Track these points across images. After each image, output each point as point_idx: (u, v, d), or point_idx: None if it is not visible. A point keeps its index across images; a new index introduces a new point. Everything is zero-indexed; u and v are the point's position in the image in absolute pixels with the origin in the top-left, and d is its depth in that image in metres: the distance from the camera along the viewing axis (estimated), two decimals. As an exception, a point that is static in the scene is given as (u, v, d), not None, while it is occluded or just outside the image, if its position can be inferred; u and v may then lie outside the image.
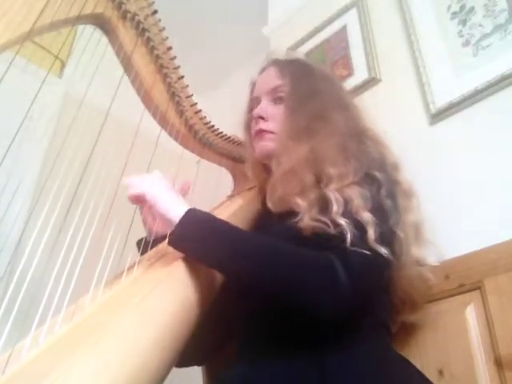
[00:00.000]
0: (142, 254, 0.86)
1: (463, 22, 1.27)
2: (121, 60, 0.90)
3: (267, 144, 1.01)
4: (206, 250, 0.78)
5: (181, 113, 1.02)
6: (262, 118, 1.03)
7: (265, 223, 0.97)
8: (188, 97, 1.03)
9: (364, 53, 1.48)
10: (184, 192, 0.94)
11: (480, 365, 0.91)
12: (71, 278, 0.62)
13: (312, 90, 1.01)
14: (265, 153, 1.02)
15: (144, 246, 0.88)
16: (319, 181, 0.85)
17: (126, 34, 0.88)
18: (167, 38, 0.95)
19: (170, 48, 0.96)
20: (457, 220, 1.09)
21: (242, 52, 2.25)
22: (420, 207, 0.97)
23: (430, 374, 0.89)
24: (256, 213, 1.06)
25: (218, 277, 0.86)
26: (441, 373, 0.95)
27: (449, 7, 1.31)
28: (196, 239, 0.78)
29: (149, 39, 0.92)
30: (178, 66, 0.99)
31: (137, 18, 0.89)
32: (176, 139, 1.04)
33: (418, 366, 0.85)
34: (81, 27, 0.84)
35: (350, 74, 1.49)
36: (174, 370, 0.74)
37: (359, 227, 0.75)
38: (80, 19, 0.77)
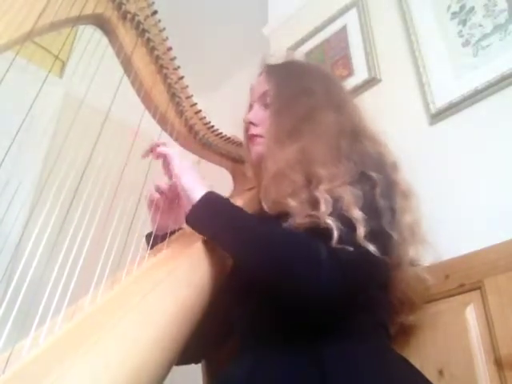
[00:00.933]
0: (152, 247, 0.90)
1: (463, 22, 1.27)
2: (121, 60, 0.90)
3: (257, 148, 1.03)
4: (219, 229, 0.85)
5: (181, 113, 1.03)
6: (252, 123, 1.05)
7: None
8: (188, 97, 1.03)
9: (364, 53, 1.48)
10: None
11: (480, 365, 0.91)
12: (71, 279, 0.62)
13: (298, 90, 1.01)
14: (257, 156, 1.04)
15: (151, 240, 0.92)
16: (310, 181, 0.85)
17: (126, 35, 0.88)
18: (167, 38, 0.96)
19: (170, 48, 0.96)
20: (457, 220, 1.09)
21: (242, 52, 2.25)
22: (419, 207, 0.97)
23: (429, 374, 0.89)
24: (255, 213, 1.06)
25: (220, 274, 0.86)
26: (441, 373, 0.95)
27: (449, 7, 1.31)
28: (211, 217, 0.86)
29: (149, 40, 0.92)
30: (178, 67, 0.99)
31: (137, 18, 0.89)
32: (176, 139, 1.04)
33: (418, 366, 0.85)
34: (81, 27, 0.84)
35: (350, 74, 1.49)
36: (174, 368, 0.74)
37: (348, 224, 0.75)
38: (80, 19, 0.78)
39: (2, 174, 0.64)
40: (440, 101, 1.24)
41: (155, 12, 0.92)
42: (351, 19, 1.58)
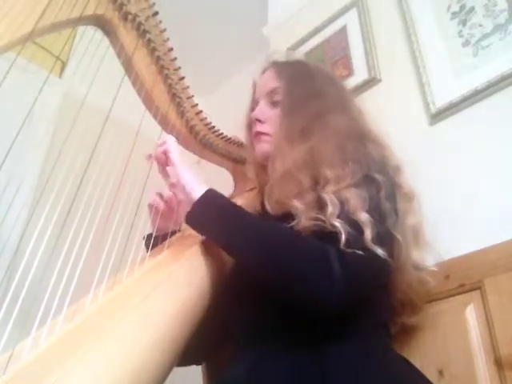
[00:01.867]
0: (152, 248, 0.89)
1: (463, 22, 1.27)
2: (122, 61, 0.90)
3: (264, 146, 1.02)
4: (219, 228, 0.83)
5: (182, 114, 1.03)
6: (259, 120, 1.04)
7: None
8: (189, 98, 1.03)
9: (364, 53, 1.48)
10: None
11: (480, 365, 0.91)
12: (72, 279, 0.62)
13: (310, 91, 1.01)
14: (262, 154, 1.03)
15: (150, 241, 0.90)
16: (316, 183, 0.85)
17: (126, 36, 0.88)
18: (168, 39, 0.96)
19: (170, 49, 0.96)
20: (457, 220, 1.09)
21: (242, 52, 2.25)
22: (420, 209, 0.97)
23: (430, 374, 0.89)
24: (256, 214, 1.06)
25: (220, 275, 0.86)
26: (441, 373, 0.95)
27: (449, 7, 1.31)
28: (211, 216, 0.84)
29: (150, 40, 0.92)
30: (179, 67, 0.99)
31: (138, 19, 0.89)
32: (177, 140, 1.04)
33: (418, 366, 0.85)
34: (82, 28, 0.84)
35: (350, 74, 1.49)
36: (175, 369, 0.74)
37: (356, 227, 0.75)
38: (81, 20, 0.78)
39: (2, 174, 0.64)
40: (440, 101, 1.24)
41: (156, 13, 0.92)
42: (351, 19, 1.57)
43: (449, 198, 1.13)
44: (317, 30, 1.67)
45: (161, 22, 0.93)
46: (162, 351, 0.66)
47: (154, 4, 0.91)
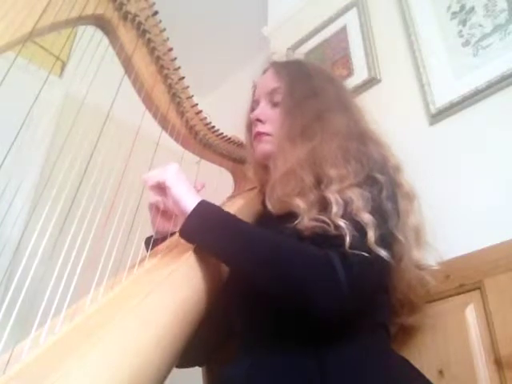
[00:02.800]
0: (152, 248, 0.87)
1: (463, 22, 1.27)
2: (121, 61, 0.90)
3: (265, 146, 1.03)
4: (214, 241, 0.81)
5: (181, 114, 1.03)
6: (259, 120, 1.04)
7: (265, 224, 0.97)
8: (189, 98, 1.03)
9: (364, 53, 1.48)
10: (196, 190, 0.95)
11: (480, 365, 0.91)
12: (71, 279, 0.62)
13: (310, 91, 1.01)
14: (263, 154, 1.03)
15: (151, 244, 0.89)
16: (319, 182, 0.85)
17: (126, 35, 0.88)
18: (168, 39, 0.95)
19: (170, 49, 0.96)
20: (457, 220, 1.09)
21: (242, 52, 2.25)
22: (421, 209, 0.97)
23: (430, 374, 0.89)
24: (256, 214, 1.06)
25: (220, 275, 0.86)
26: (441, 373, 0.95)
27: (449, 7, 1.31)
28: (205, 230, 0.81)
29: (149, 40, 0.92)
30: (179, 67, 0.99)
31: (137, 19, 0.89)
32: (177, 140, 1.04)
33: (418, 367, 0.85)
34: (82, 28, 0.84)
35: (350, 74, 1.49)
36: (175, 369, 0.74)
37: (359, 229, 0.75)
38: (81, 20, 0.77)
39: (2, 174, 0.64)
40: (440, 101, 1.24)
41: (156, 12, 0.92)
42: (351, 19, 1.58)
43: (449, 198, 1.13)
44: (317, 30, 1.67)
45: (160, 21, 0.93)
46: (162, 351, 0.66)
47: (153, 4, 0.91)
